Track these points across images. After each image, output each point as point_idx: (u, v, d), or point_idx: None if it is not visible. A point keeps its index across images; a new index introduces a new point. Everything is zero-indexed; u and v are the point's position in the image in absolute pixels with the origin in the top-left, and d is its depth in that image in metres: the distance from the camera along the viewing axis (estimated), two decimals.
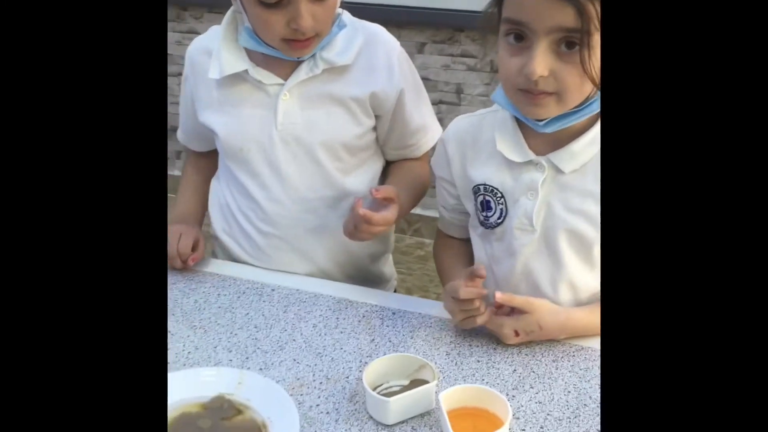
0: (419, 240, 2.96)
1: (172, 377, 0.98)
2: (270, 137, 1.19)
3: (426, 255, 2.86)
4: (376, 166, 1.30)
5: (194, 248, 1.25)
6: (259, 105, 1.19)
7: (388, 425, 0.92)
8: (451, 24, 2.58)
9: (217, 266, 1.28)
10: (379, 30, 1.23)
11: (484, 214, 1.10)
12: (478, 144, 1.11)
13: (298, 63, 1.17)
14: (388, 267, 1.42)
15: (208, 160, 1.38)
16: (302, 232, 1.23)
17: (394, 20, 2.61)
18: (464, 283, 1.01)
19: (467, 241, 1.20)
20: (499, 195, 1.07)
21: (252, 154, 1.21)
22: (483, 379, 0.99)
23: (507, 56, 0.96)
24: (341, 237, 1.22)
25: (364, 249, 1.29)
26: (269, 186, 1.22)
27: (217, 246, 1.37)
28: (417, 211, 2.97)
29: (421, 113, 1.26)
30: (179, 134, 1.37)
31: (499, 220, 1.08)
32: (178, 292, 1.20)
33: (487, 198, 1.09)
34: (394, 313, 1.14)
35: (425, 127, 1.27)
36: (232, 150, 1.23)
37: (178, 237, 1.24)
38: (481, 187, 1.09)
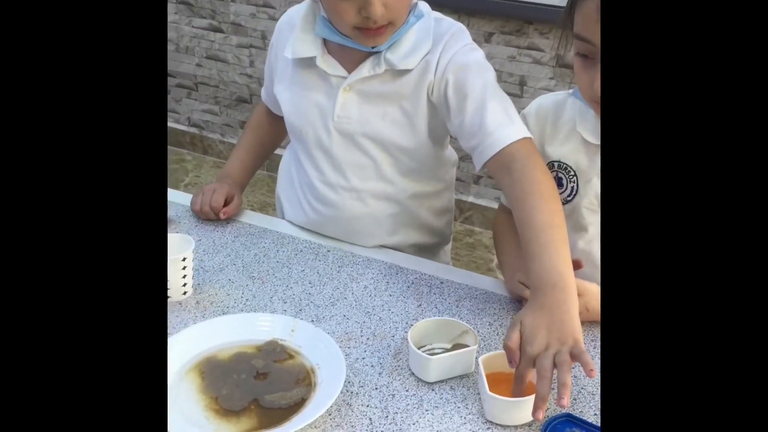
0: (469, 228, 3.00)
1: (231, 318, 1.05)
2: (326, 126, 1.23)
3: (474, 243, 2.90)
4: (451, 172, 1.34)
5: (227, 203, 1.34)
6: (322, 93, 1.23)
7: (428, 382, 0.97)
8: (521, 15, 2.60)
9: (278, 224, 1.35)
10: (456, 30, 1.18)
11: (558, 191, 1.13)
12: (558, 122, 1.16)
13: (365, 58, 1.17)
14: (443, 257, 1.44)
15: (275, 122, 1.44)
16: (350, 217, 1.28)
17: (465, 8, 2.65)
18: None
19: None
20: (572, 173, 1.12)
21: (309, 137, 1.26)
22: None
23: (578, 68, 1.04)
24: (389, 227, 1.27)
25: (412, 241, 1.33)
26: (322, 169, 1.27)
27: (278, 204, 1.44)
28: (470, 199, 3.02)
29: (482, 114, 1.12)
30: (263, 92, 1.44)
31: (569, 198, 1.14)
32: (239, 245, 1.28)
33: (560, 175, 1.14)
34: (441, 283, 1.18)
35: (485, 129, 1.11)
36: (294, 128, 1.29)
37: (211, 193, 1.34)
38: (555, 164, 1.14)
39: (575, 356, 0.87)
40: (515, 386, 0.90)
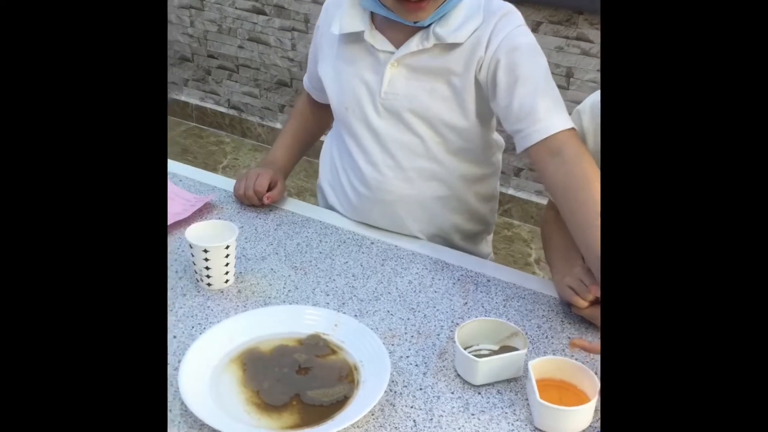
0: (508, 221, 2.95)
1: (274, 310, 1.03)
2: (373, 103, 1.21)
3: (512, 236, 2.85)
4: (498, 156, 1.31)
5: (271, 189, 1.32)
6: (368, 69, 1.20)
7: (474, 385, 0.94)
8: (571, 5, 2.54)
9: (321, 214, 1.33)
10: (508, 10, 1.16)
11: None
12: None
13: (413, 33, 1.16)
14: (485, 246, 1.41)
15: (318, 110, 1.41)
16: (395, 199, 1.25)
17: None
18: None
19: None
20: None
21: (355, 115, 1.23)
22: (572, 356, 0.99)
23: None
24: (434, 210, 1.25)
25: (457, 226, 1.30)
26: (368, 149, 1.24)
27: (319, 194, 1.41)
28: (510, 191, 2.97)
29: (533, 99, 1.10)
30: (305, 79, 1.41)
31: None
32: (282, 233, 1.25)
33: None
34: (488, 281, 1.15)
35: (535, 114, 1.10)
36: (338, 108, 1.26)
37: (255, 177, 1.32)
38: None
39: None
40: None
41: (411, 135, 1.20)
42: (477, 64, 1.14)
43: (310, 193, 2.98)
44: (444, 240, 1.30)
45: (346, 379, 0.92)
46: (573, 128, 1.11)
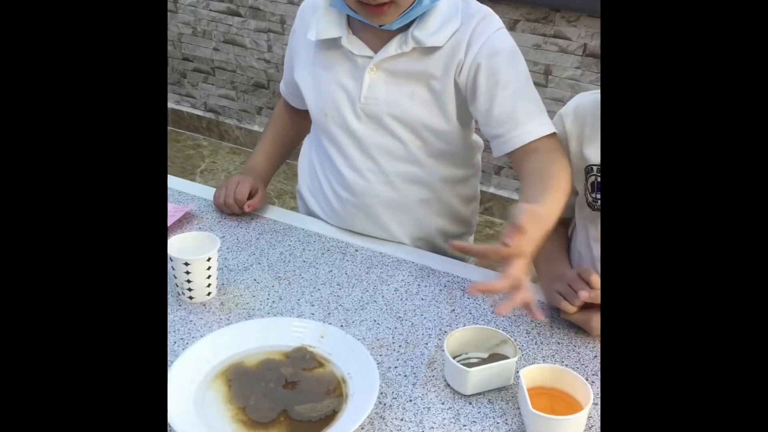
0: (489, 219, 2.94)
1: (260, 323, 1.01)
2: (353, 108, 1.19)
3: (495, 234, 2.84)
4: (478, 158, 1.30)
5: (251, 197, 1.30)
6: (347, 74, 1.18)
7: (465, 395, 0.92)
8: (548, 3, 2.53)
9: (303, 221, 1.30)
10: (486, 13, 1.14)
11: (594, 195, 1.09)
12: (597, 123, 1.10)
13: (391, 37, 1.14)
14: None
15: (296, 116, 1.39)
16: (378, 203, 1.23)
17: None
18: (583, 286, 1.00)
19: (567, 222, 1.20)
20: None
21: (335, 121, 1.21)
22: (563, 362, 0.98)
23: None
24: (418, 214, 1.24)
25: (440, 229, 1.29)
26: (349, 155, 1.22)
27: (299, 200, 1.39)
28: (490, 189, 2.96)
29: (514, 104, 1.10)
30: (282, 85, 1.39)
31: None
32: (264, 242, 1.23)
33: (600, 179, 1.08)
34: None
35: (515, 119, 1.10)
36: (317, 114, 1.24)
37: (235, 185, 1.29)
38: (594, 168, 1.08)
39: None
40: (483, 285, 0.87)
41: (392, 139, 1.19)
42: (457, 68, 1.12)
43: (289, 195, 2.95)
44: (428, 243, 1.29)
45: (334, 392, 0.91)
46: (554, 133, 1.11)
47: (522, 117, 1.10)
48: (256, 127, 3.36)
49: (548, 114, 1.13)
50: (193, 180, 3.10)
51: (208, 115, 3.48)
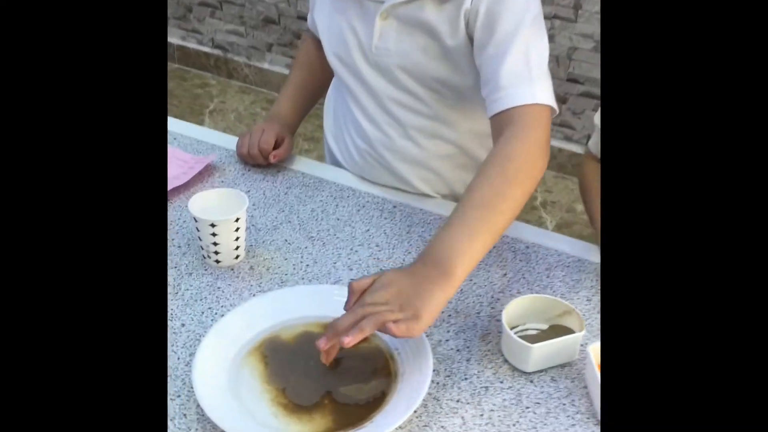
0: None
1: (296, 291, 0.92)
2: (364, 56, 1.08)
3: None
4: None
5: (278, 146, 1.19)
6: (359, 20, 1.07)
7: (525, 372, 0.84)
8: None
9: (336, 174, 1.20)
10: None
11: None
12: None
13: None
14: None
15: (323, 54, 1.27)
16: (399, 159, 1.14)
17: None
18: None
19: None
20: None
21: (347, 67, 1.11)
22: None
23: None
24: (442, 170, 1.14)
25: (464, 180, 1.17)
26: (364, 105, 1.13)
27: (326, 147, 1.29)
28: None
29: (499, 62, 0.96)
30: (309, 19, 1.27)
31: None
32: (293, 198, 1.13)
33: None
34: (527, 247, 1.04)
35: (496, 81, 0.95)
36: (332, 58, 1.14)
37: (260, 133, 1.19)
38: None
39: (402, 325, 0.76)
40: (328, 330, 0.78)
41: (406, 93, 1.08)
42: (464, 18, 0.99)
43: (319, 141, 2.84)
44: (453, 200, 1.18)
45: (381, 372, 0.82)
46: (537, 104, 0.94)
47: (504, 79, 0.94)
48: (266, 65, 3.22)
49: None
50: (202, 122, 2.99)
51: (216, 51, 3.33)
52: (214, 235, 0.95)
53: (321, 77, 1.28)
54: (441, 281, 0.80)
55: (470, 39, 1.01)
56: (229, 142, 1.25)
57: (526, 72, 0.95)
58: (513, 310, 0.87)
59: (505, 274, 0.98)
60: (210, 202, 0.97)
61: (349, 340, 0.75)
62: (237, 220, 0.95)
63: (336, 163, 1.24)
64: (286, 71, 3.08)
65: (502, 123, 0.95)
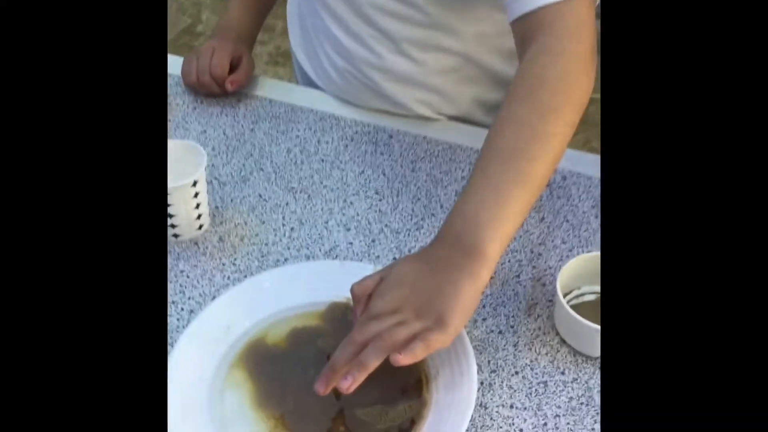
0: None
1: (272, 275, 0.71)
2: None
3: None
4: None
5: (234, 69, 0.96)
6: None
7: (592, 357, 0.65)
8: None
9: (312, 100, 0.96)
10: None
11: None
12: None
13: None
14: None
15: None
16: (390, 78, 0.90)
17: None
18: None
19: None
20: None
21: None
22: None
23: None
24: (444, 87, 0.91)
25: (477, 99, 0.94)
26: (343, 17, 0.88)
27: (294, 63, 1.05)
28: None
29: None
30: None
31: None
32: (263, 136, 0.90)
33: None
34: (564, 178, 0.83)
35: None
36: None
37: (209, 55, 0.95)
38: None
39: (420, 345, 0.56)
40: (325, 368, 0.58)
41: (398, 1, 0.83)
42: None
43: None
44: (462, 121, 0.95)
45: (413, 392, 0.62)
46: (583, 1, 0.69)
47: None
48: None
49: None
50: None
51: None
52: (167, 205, 0.72)
53: None
54: (469, 266, 0.59)
55: None
56: (174, 65, 0.99)
57: None
58: (566, 274, 0.68)
59: (543, 218, 0.78)
60: None
61: (348, 386, 0.56)
62: (195, 183, 0.72)
63: (311, 86, 1.00)
64: None
65: (528, 30, 0.70)
